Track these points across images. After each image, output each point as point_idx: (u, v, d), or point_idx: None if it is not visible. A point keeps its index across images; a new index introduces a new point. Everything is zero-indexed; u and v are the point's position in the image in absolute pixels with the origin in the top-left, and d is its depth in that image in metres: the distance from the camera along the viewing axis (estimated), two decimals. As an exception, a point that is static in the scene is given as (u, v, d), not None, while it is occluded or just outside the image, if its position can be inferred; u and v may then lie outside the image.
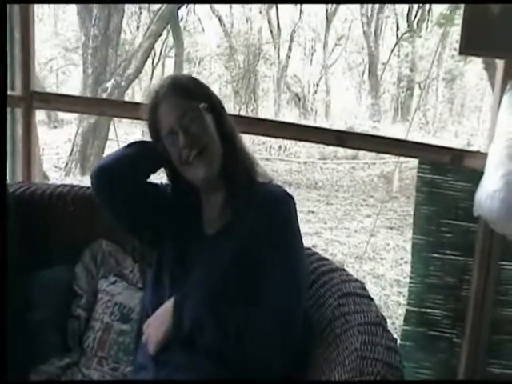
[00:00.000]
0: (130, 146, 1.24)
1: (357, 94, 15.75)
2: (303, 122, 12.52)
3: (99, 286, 1.45)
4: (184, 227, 1.24)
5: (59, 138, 7.56)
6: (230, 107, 11.52)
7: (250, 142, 7.89)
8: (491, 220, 1.70)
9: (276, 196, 1.19)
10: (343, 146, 1.95)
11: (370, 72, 14.17)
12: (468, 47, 1.87)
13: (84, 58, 7.83)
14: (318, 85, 15.78)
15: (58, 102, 2.03)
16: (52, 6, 14.38)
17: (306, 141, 2.09)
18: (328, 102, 15.27)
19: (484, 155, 1.78)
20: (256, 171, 1.25)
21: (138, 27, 13.24)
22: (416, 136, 10.74)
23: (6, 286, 1.19)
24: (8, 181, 1.52)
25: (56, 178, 6.01)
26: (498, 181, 1.66)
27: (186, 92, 1.19)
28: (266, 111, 13.75)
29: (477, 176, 1.75)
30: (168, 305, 1.14)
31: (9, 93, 1.96)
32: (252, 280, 1.13)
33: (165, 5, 8.41)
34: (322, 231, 4.81)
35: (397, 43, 14.39)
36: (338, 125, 11.18)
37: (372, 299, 1.28)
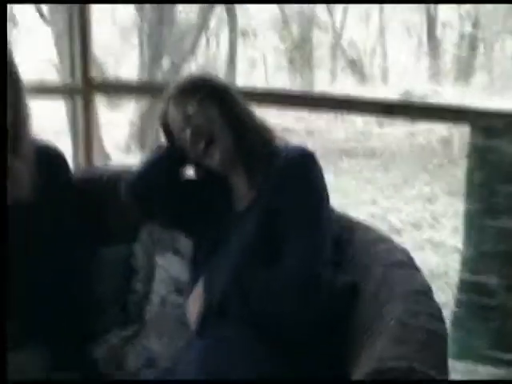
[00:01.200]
0: (156, 152, 1.33)
1: (415, 57, 15.27)
2: (360, 88, 12.30)
3: (156, 262, 1.54)
4: (216, 209, 1.30)
5: (119, 119, 7.80)
6: (285, 78, 11.45)
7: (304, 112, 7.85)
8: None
9: (293, 157, 1.23)
10: (391, 116, 1.95)
11: (428, 33, 13.68)
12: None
13: (140, 38, 8.00)
14: (374, 49, 15.40)
15: (116, 87, 2.14)
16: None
17: (355, 113, 2.11)
18: (385, 66, 14.89)
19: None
20: (272, 141, 1.29)
21: (191, 5, 13.34)
22: (480, 97, 10.33)
23: (5, 286, 1.27)
24: (71, 165, 1.62)
25: (117, 157, 6.24)
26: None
27: (189, 90, 1.27)
28: (321, 79, 13.57)
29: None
30: (201, 282, 1.21)
31: (68, 82, 2.08)
32: (278, 245, 1.17)
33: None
34: (380, 199, 4.78)
35: None
36: (396, 90, 10.91)
37: (418, 269, 1.29)
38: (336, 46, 14.49)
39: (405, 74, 14.09)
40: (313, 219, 1.19)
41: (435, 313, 1.11)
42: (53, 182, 1.45)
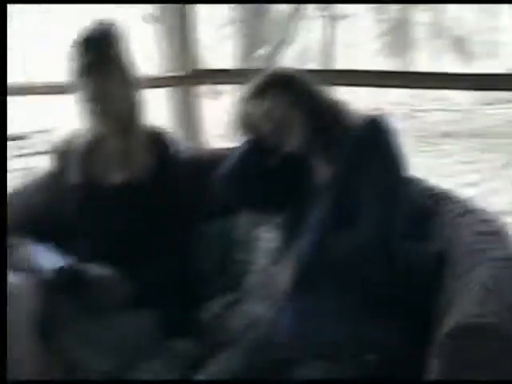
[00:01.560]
0: (242, 146, 1.47)
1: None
2: (464, 67, 11.76)
3: (256, 234, 1.66)
4: (300, 187, 1.42)
5: (218, 108, 8.06)
6: (382, 61, 11.21)
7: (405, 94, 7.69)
8: None
9: (366, 126, 1.30)
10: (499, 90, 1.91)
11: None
12: None
13: (235, 29, 8.21)
14: (481, 25, 14.59)
15: (216, 76, 2.30)
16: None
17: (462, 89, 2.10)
18: (493, 42, 14.07)
19: None
20: (346, 116, 1.36)
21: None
22: None
23: (5, 286, 1.37)
24: (180, 147, 1.78)
25: (216, 143, 6.47)
26: None
27: (261, 88, 1.37)
28: (421, 61, 13.12)
29: None
30: (290, 252, 1.32)
31: (172, 73, 2.25)
32: (356, 212, 1.26)
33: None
34: (483, 181, 4.63)
35: None
36: (505, 66, 10.31)
37: (507, 237, 1.32)
38: (437, 25, 13.91)
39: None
40: (388, 184, 1.27)
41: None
42: (164, 163, 1.62)
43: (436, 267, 1.34)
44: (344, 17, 14.33)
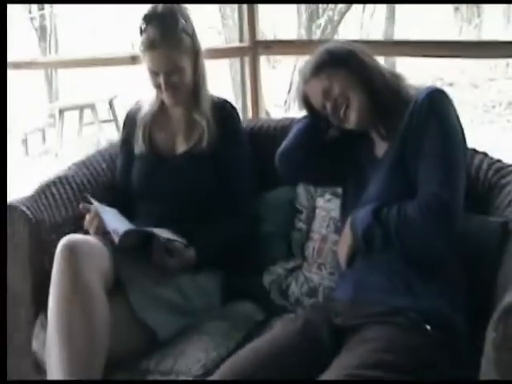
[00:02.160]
0: (301, 122, 1.49)
1: None
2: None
3: (317, 203, 1.69)
4: (359, 160, 1.43)
5: (278, 77, 8.04)
6: (449, 27, 10.76)
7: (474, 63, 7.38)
8: None
9: (423, 97, 1.30)
10: None
11: None
12: None
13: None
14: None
15: (279, 47, 2.32)
16: None
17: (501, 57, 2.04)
18: None
19: None
20: (404, 89, 1.37)
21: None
22: None
23: (5, 286, 1.45)
24: (241, 117, 1.82)
25: (277, 114, 6.47)
26: None
27: (318, 68, 1.38)
28: (492, 25, 12.51)
29: None
30: (348, 221, 1.34)
31: (238, 44, 2.28)
32: (413, 181, 1.27)
33: None
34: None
35: None
36: None
37: None
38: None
39: None
40: (446, 154, 1.26)
41: None
42: (227, 131, 1.66)
43: (500, 239, 1.34)
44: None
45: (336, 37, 7.50)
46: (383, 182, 1.33)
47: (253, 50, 2.21)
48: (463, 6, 13.20)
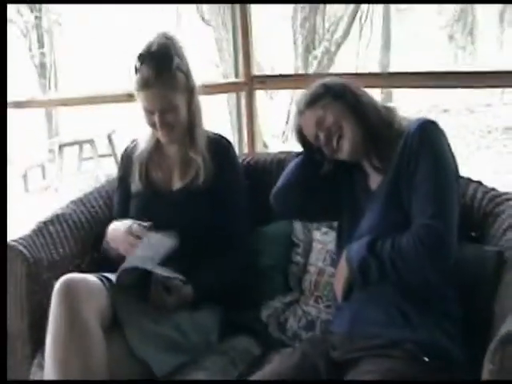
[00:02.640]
0: (295, 161, 1.51)
1: None
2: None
3: (313, 236, 1.69)
4: (353, 193, 1.45)
5: (276, 108, 8.12)
6: (444, 55, 10.91)
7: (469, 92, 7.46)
8: None
9: (415, 129, 1.32)
10: None
11: None
12: None
13: (294, 29, 8.21)
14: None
15: (274, 82, 2.36)
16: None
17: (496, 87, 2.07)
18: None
19: None
20: (396, 122, 1.39)
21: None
22: None
23: (5, 287, 1.46)
24: (237, 152, 1.84)
25: (275, 145, 6.52)
26: None
27: (313, 101, 1.41)
28: (485, 52, 12.67)
29: None
30: (344, 254, 1.35)
31: (234, 79, 2.32)
32: (407, 213, 1.28)
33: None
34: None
35: None
36: None
37: None
38: (504, 12, 13.39)
39: None
40: (439, 185, 1.27)
41: None
42: (222, 167, 1.68)
43: (495, 269, 1.34)
44: (402, 9, 14.04)
45: (333, 67, 7.61)
46: (378, 215, 1.35)
47: (248, 85, 2.24)
48: (458, 34, 13.41)
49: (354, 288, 1.34)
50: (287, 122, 7.24)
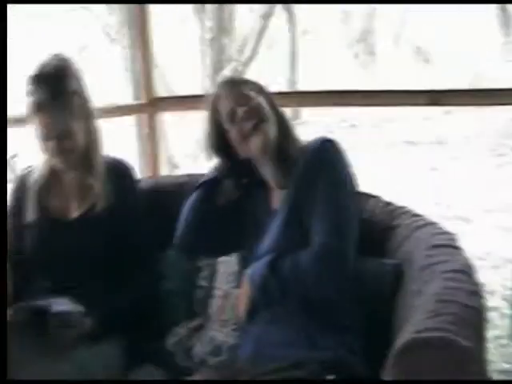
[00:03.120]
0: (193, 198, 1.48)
1: (486, 36, 14.66)
2: (428, 75, 11.98)
3: (218, 259, 1.66)
4: (254, 215, 1.44)
5: (188, 126, 8.09)
6: (349, 72, 11.36)
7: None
8: None
9: (315, 147, 1.35)
10: (437, 105, 1.99)
11: (501, 8, 13.08)
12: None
13: (202, 49, 8.24)
14: (441, 33, 14.95)
15: (177, 104, 2.33)
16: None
17: (397, 105, 2.17)
18: (454, 49, 14.41)
19: None
20: (298, 138, 1.42)
21: (251, 10, 13.50)
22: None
23: (5, 287, 1.38)
24: (140, 176, 1.79)
25: (185, 165, 6.48)
26: None
27: (242, 83, 1.42)
28: (385, 70, 13.34)
29: None
30: (246, 275, 1.35)
31: (134, 102, 2.27)
32: (307, 232, 1.29)
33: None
34: (447, 187, 4.70)
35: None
36: (466, 72, 10.56)
37: (461, 249, 1.36)
38: (400, 35, 14.20)
39: (475, 55, 13.56)
40: (337, 203, 1.29)
41: (474, 289, 1.18)
42: (122, 192, 1.62)
43: (393, 281, 1.38)
44: (308, 31, 14.53)
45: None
46: (279, 233, 1.35)
47: (150, 107, 2.20)
48: (360, 54, 14.07)
49: (256, 308, 1.33)
50: (197, 142, 7.21)
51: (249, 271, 1.34)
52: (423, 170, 5.16)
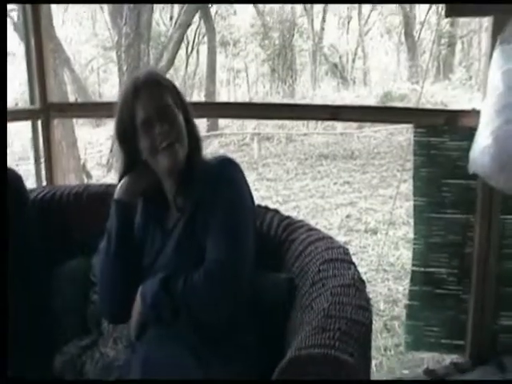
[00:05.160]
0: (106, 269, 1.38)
1: (395, 58, 15.42)
2: (342, 91, 12.43)
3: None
4: (152, 227, 1.39)
5: (101, 136, 7.87)
6: (267, 85, 11.54)
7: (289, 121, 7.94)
8: (485, 176, 1.74)
9: (215, 165, 1.33)
10: (336, 120, 2.04)
11: (406, 33, 13.85)
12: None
13: (118, 55, 8.08)
14: (355, 53, 15.54)
15: (74, 110, 2.22)
16: (89, 7, 14.83)
17: (299, 119, 2.20)
18: (366, 68, 15.04)
19: (479, 113, 1.82)
20: (202, 155, 1.38)
21: (171, 18, 13.43)
22: (459, 93, 10.44)
23: (5, 288, 1.34)
24: (34, 186, 1.69)
25: (99, 174, 6.30)
26: (488, 136, 1.69)
27: (163, 86, 1.33)
28: (303, 85, 13.69)
29: (473, 134, 1.79)
30: (138, 292, 1.30)
31: (28, 107, 2.15)
32: (202, 251, 1.26)
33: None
34: (357, 200, 4.86)
35: (434, -1, 13.94)
36: (377, 91, 11.04)
37: (353, 263, 1.37)
38: (317, 52, 14.63)
39: (385, 75, 14.21)
40: (232, 222, 1.27)
41: (362, 304, 1.19)
42: (10, 202, 1.52)
43: (287, 296, 1.37)
44: (227, 43, 14.65)
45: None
46: (173, 252, 1.32)
47: (44, 112, 2.09)
48: (279, 68, 14.36)
49: (147, 326, 1.28)
50: (111, 151, 7.03)
51: (140, 288, 1.30)
52: (335, 184, 5.31)
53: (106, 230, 1.39)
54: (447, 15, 1.96)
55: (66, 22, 14.30)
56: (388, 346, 2.87)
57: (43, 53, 2.08)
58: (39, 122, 2.12)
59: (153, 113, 1.28)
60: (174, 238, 1.33)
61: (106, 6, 10.80)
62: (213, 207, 1.28)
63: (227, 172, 1.32)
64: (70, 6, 14.04)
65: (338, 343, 1.03)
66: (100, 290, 1.42)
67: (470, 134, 1.83)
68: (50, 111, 2.09)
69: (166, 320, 1.25)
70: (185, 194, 1.35)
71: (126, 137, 1.33)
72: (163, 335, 1.25)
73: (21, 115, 2.10)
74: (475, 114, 1.86)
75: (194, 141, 1.35)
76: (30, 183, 1.66)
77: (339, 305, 1.16)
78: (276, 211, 1.64)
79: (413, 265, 2.01)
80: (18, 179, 1.59)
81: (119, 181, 1.39)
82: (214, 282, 1.21)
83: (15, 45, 7.92)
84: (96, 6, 13.95)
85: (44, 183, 2.14)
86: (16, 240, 1.51)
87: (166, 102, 1.30)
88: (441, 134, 1.97)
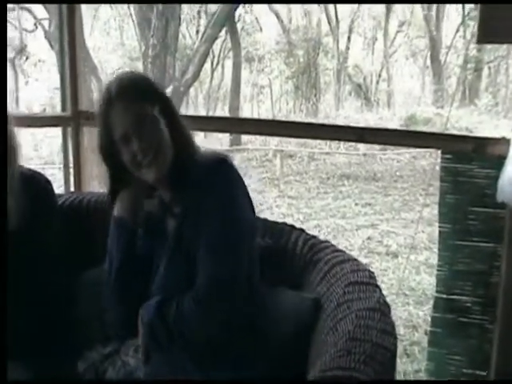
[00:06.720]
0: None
1: (420, 81, 15.38)
2: (365, 112, 12.43)
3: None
4: (154, 239, 1.38)
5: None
6: (291, 103, 11.57)
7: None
8: (513, 205, 1.72)
9: (211, 167, 1.26)
10: (362, 142, 2.04)
11: (432, 57, 13.81)
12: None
13: (144, 66, 8.18)
14: (380, 74, 15.54)
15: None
16: (117, 18, 15.09)
17: (322, 139, 2.21)
18: (390, 90, 15.01)
19: (509, 141, 1.80)
20: (195, 150, 1.31)
21: (197, 31, 13.60)
22: (485, 119, 10.36)
23: (5, 288, 1.34)
24: (63, 191, 1.71)
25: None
26: (518, 165, 1.67)
27: (140, 93, 1.25)
28: (326, 104, 13.71)
29: (502, 163, 1.77)
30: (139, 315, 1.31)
31: (60, 114, 2.18)
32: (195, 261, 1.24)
33: (221, 7, 8.61)
34: (379, 223, 4.83)
35: (462, 23, 13.92)
36: (401, 113, 11.00)
37: (378, 287, 1.36)
38: (341, 71, 14.66)
39: (409, 98, 14.18)
40: (226, 236, 1.22)
41: (387, 328, 1.18)
42: (38, 207, 1.54)
43: (312, 316, 1.36)
44: (252, 59, 14.75)
45: (182, 108, 7.64)
46: (168, 266, 1.30)
47: (75, 120, 2.12)
48: (303, 86, 14.40)
49: (148, 350, 1.31)
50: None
51: (140, 311, 1.30)
52: (357, 204, 5.28)
53: (107, 248, 1.38)
54: (479, 41, 1.94)
55: (94, 31, 14.57)
56: (407, 371, 2.83)
57: (76, 61, 2.12)
58: (69, 129, 2.16)
59: (130, 128, 1.22)
60: (168, 251, 1.30)
61: (134, 16, 10.94)
62: (205, 217, 1.22)
63: (225, 180, 1.25)
64: (99, 15, 14.29)
65: (363, 366, 1.02)
66: (108, 309, 1.44)
67: (498, 162, 1.81)
68: (79, 119, 2.12)
69: (164, 347, 1.27)
70: (178, 200, 1.30)
71: (108, 152, 1.29)
72: (163, 362, 1.28)
73: (51, 121, 2.12)
74: (505, 141, 1.84)
75: (182, 138, 1.28)
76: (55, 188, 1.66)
77: (364, 328, 1.16)
78: (302, 230, 1.63)
79: (436, 291, 1.99)
80: (47, 183, 1.61)
81: (109, 195, 1.38)
82: (204, 308, 1.20)
83: (45, 52, 8.06)
84: (124, 16, 14.18)
85: (72, 189, 2.17)
86: (42, 244, 1.53)
87: (143, 112, 1.23)
88: (469, 160, 1.95)
